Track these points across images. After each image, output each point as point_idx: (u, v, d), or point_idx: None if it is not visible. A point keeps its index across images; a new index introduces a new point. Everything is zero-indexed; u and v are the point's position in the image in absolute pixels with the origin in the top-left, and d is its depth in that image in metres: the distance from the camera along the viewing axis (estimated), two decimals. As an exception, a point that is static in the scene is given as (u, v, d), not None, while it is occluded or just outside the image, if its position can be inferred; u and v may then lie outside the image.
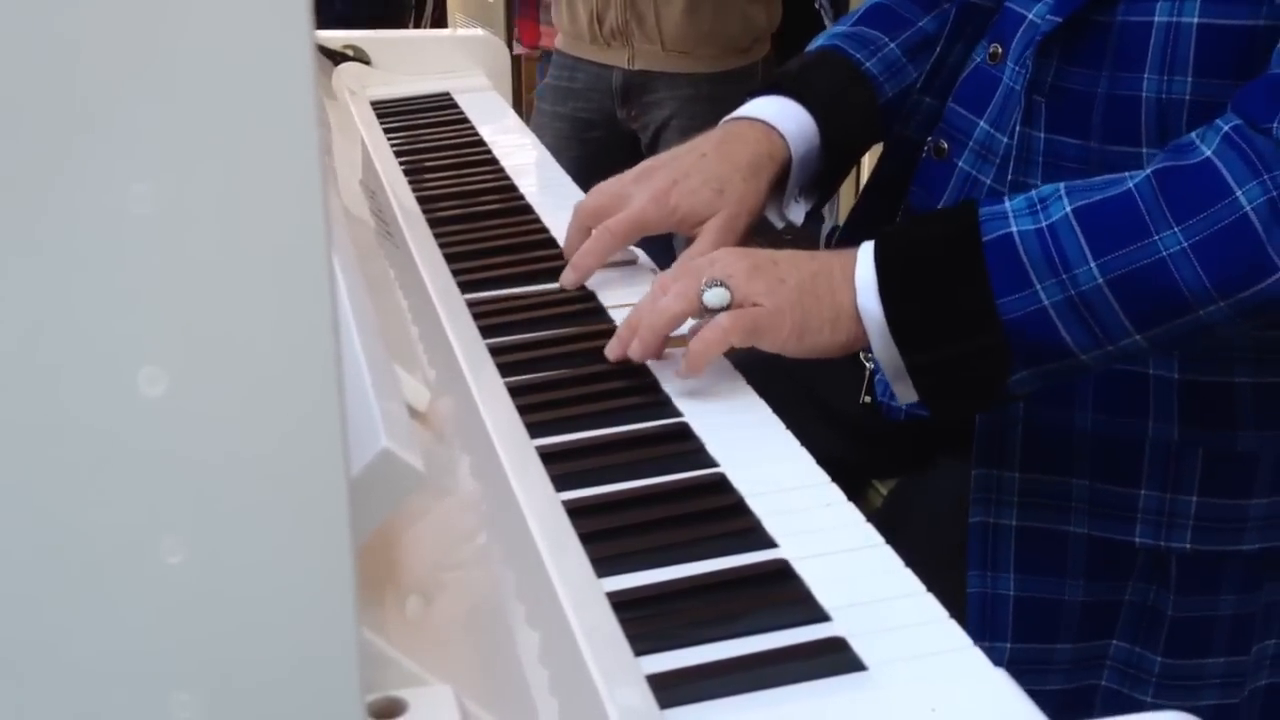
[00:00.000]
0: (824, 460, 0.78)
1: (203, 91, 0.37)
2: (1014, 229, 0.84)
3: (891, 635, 0.62)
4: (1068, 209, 0.83)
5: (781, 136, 1.08)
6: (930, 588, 0.66)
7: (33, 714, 0.40)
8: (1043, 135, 0.95)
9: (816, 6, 3.19)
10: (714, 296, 0.87)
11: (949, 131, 1.06)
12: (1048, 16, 0.95)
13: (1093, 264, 0.82)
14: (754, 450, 0.80)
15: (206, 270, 0.38)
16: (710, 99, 2.19)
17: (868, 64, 1.13)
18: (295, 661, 0.41)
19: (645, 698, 0.56)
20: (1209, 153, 0.82)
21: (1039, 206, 0.85)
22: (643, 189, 1.04)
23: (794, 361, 0.94)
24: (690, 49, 2.18)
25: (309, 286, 0.39)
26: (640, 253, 1.11)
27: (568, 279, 1.05)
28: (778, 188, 1.10)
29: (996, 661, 0.60)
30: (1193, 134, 0.85)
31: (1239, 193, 0.79)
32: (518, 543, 0.68)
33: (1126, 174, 0.85)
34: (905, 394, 0.89)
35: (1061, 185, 0.86)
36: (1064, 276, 0.82)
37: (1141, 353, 0.86)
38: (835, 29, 1.18)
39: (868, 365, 1.12)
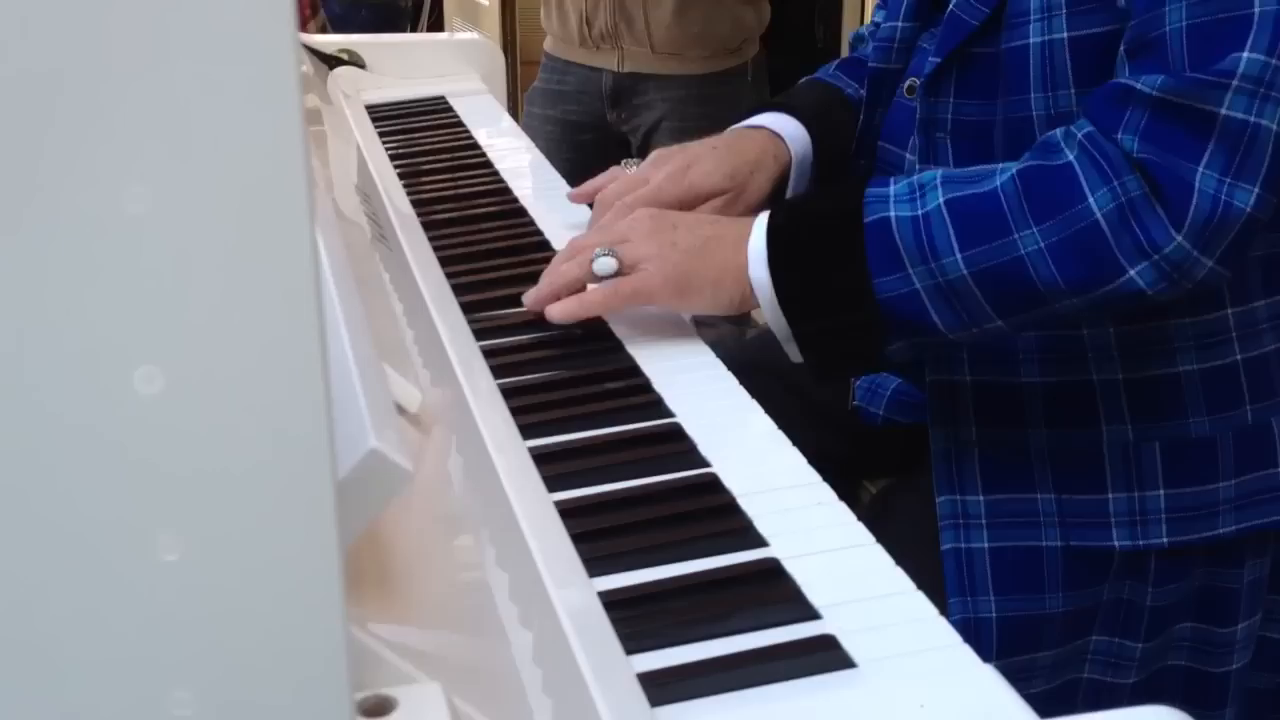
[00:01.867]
0: (814, 460, 0.79)
1: (195, 93, 0.38)
2: (892, 214, 0.89)
3: (881, 633, 0.62)
4: (941, 200, 0.88)
5: (782, 140, 1.14)
6: (918, 585, 0.66)
7: (31, 711, 0.41)
8: (952, 170, 0.98)
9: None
10: (602, 265, 0.94)
11: (885, 168, 1.11)
12: (930, 58, 0.99)
13: (959, 255, 0.87)
14: (745, 450, 0.80)
15: (200, 269, 0.39)
16: (701, 100, 2.19)
17: (847, 90, 1.21)
18: (286, 659, 0.42)
19: (637, 696, 0.57)
20: (1070, 157, 0.86)
21: (918, 193, 0.90)
22: (660, 170, 1.10)
23: (784, 362, 0.95)
24: (680, 50, 2.18)
25: (297, 286, 0.39)
26: None
27: None
28: (777, 195, 1.15)
29: None
30: (1057, 133, 0.89)
31: (1091, 199, 0.84)
32: (510, 543, 0.69)
33: (997, 168, 0.89)
34: (794, 354, 0.94)
35: (939, 173, 0.91)
36: (933, 264, 0.88)
37: (1004, 335, 0.92)
38: (816, 73, 1.26)
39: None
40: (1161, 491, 0.96)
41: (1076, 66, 0.92)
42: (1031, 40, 0.93)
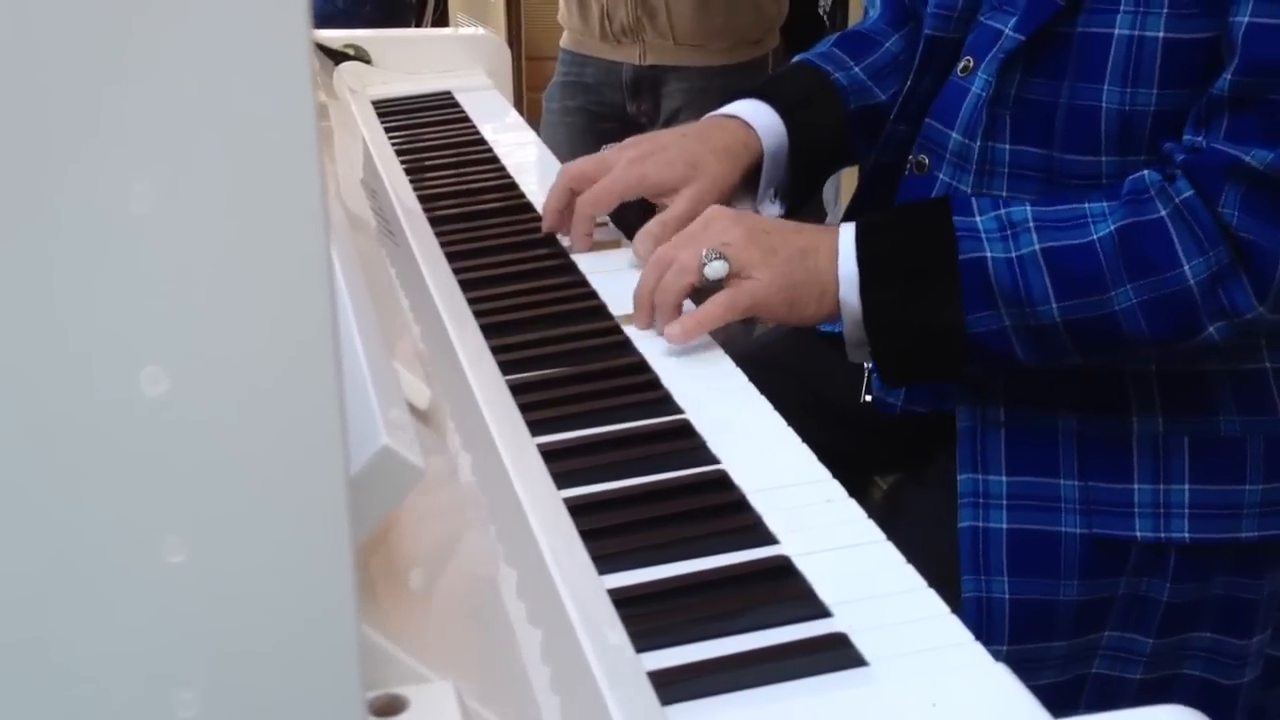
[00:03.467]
0: (824, 456, 0.79)
1: (202, 90, 0.37)
2: (987, 254, 0.92)
3: (892, 631, 0.62)
4: (1037, 246, 0.91)
5: (754, 130, 1.15)
6: (930, 581, 0.66)
7: (36, 710, 0.40)
8: (1007, 147, 1.00)
9: (820, 11, 3.21)
10: (714, 270, 0.93)
11: (927, 146, 1.10)
12: (1011, 34, 0.98)
13: (1054, 305, 0.91)
14: (755, 447, 0.80)
15: (207, 269, 0.38)
16: (721, 91, 2.18)
17: (835, 74, 1.20)
18: (296, 659, 0.41)
19: (647, 695, 0.56)
20: (1164, 213, 0.89)
21: (1009, 232, 0.92)
22: (623, 155, 1.11)
23: (794, 358, 0.95)
24: (702, 42, 2.18)
25: (308, 284, 0.39)
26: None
27: (559, 232, 1.13)
28: (752, 183, 1.16)
29: None
30: (1146, 181, 0.90)
31: (1186, 266, 0.89)
32: (519, 540, 0.68)
33: (1089, 215, 0.91)
34: (859, 358, 0.98)
35: (1029, 210, 0.92)
36: (1026, 309, 0.91)
37: (1074, 365, 0.96)
38: (811, 50, 1.25)
39: (867, 366, 1.13)
40: (1187, 486, 0.97)
41: (1166, 68, 0.92)
42: (1117, 31, 0.93)
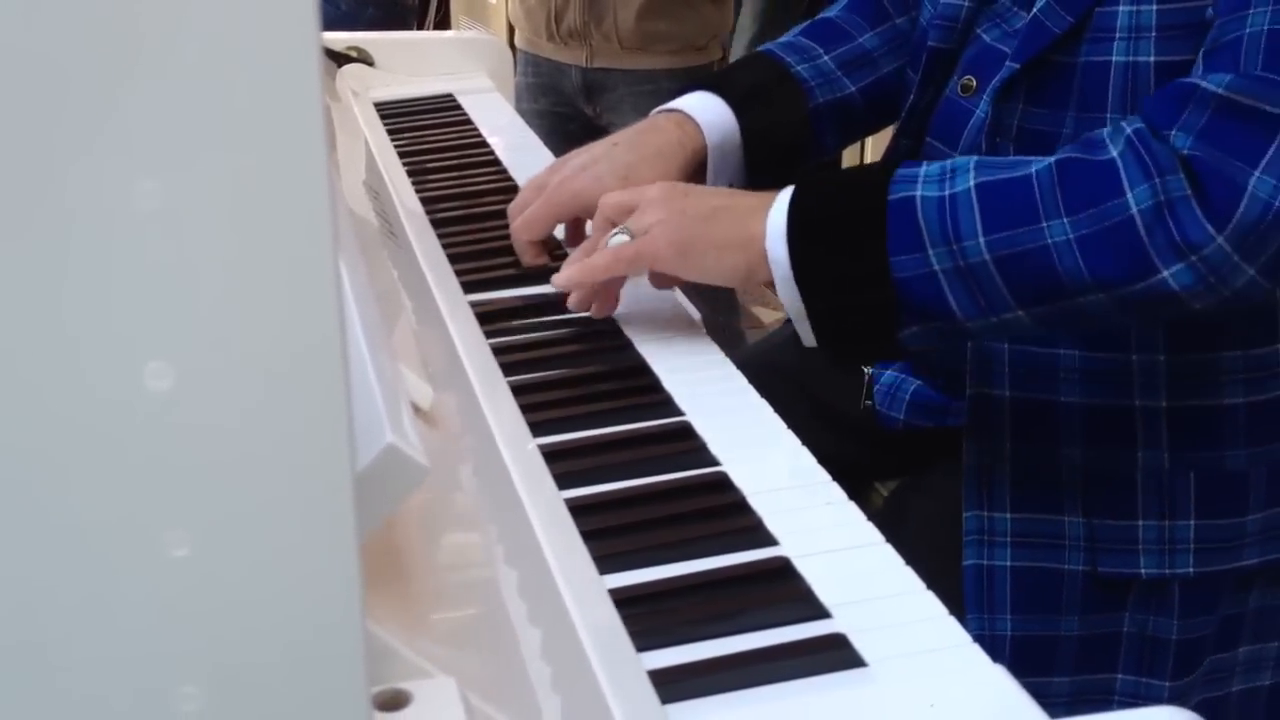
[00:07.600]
0: (825, 460, 0.79)
1: (210, 87, 0.37)
2: (918, 193, 0.86)
3: (891, 632, 0.62)
4: (972, 183, 0.85)
5: (695, 123, 1.10)
6: (930, 587, 0.66)
7: (39, 707, 0.41)
8: (991, 157, 0.95)
9: None
10: (614, 243, 0.93)
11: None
12: (1007, 63, 0.96)
13: (981, 239, 0.84)
14: (755, 449, 0.80)
15: (213, 266, 0.39)
16: (671, 94, 2.21)
17: (797, 67, 1.15)
18: (301, 654, 0.42)
19: (647, 693, 0.57)
20: (1114, 153, 0.83)
21: (949, 175, 0.87)
22: (554, 178, 1.07)
23: (795, 364, 0.94)
24: (646, 47, 2.21)
25: (315, 282, 0.39)
26: None
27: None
28: (699, 177, 1.11)
29: None
30: (1104, 130, 0.86)
31: (1129, 194, 0.81)
32: (520, 541, 0.69)
33: (1035, 158, 0.86)
34: (806, 336, 0.91)
35: (974, 159, 0.88)
36: (954, 246, 0.84)
37: (1026, 329, 0.88)
38: (777, 40, 1.20)
39: (867, 371, 1.13)
40: (1192, 522, 0.94)
41: None
42: (1115, 59, 0.90)
